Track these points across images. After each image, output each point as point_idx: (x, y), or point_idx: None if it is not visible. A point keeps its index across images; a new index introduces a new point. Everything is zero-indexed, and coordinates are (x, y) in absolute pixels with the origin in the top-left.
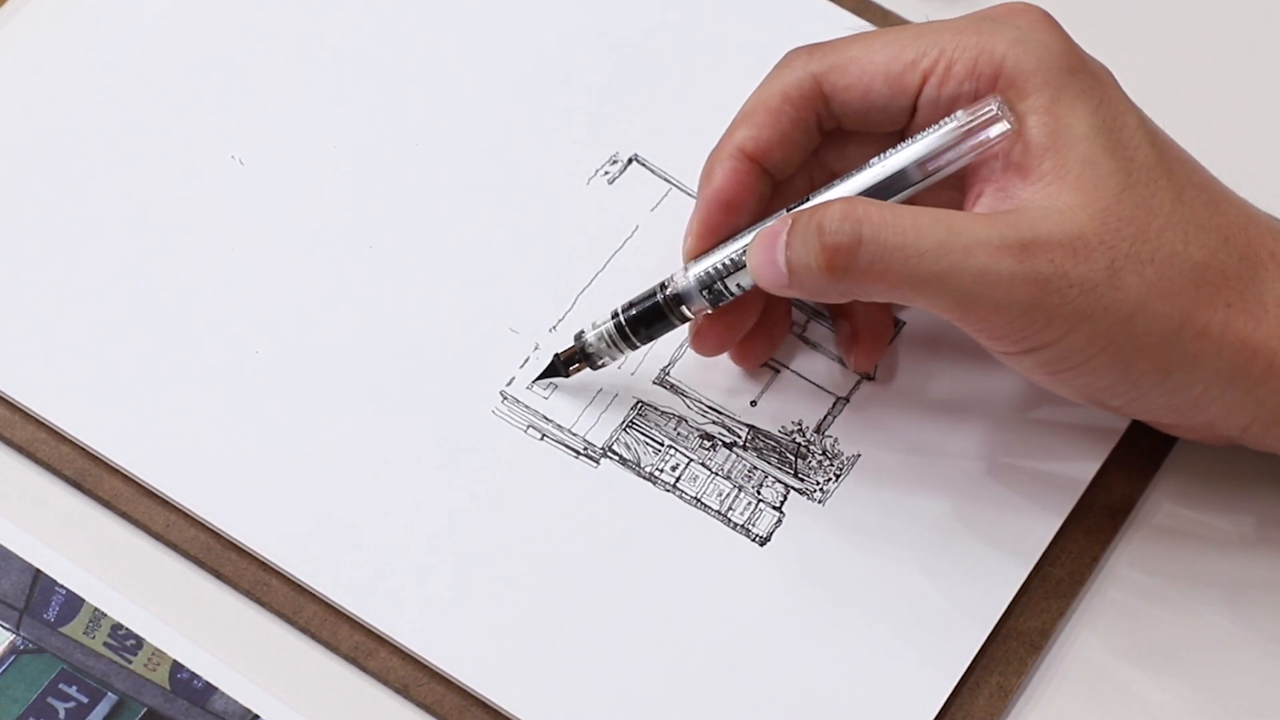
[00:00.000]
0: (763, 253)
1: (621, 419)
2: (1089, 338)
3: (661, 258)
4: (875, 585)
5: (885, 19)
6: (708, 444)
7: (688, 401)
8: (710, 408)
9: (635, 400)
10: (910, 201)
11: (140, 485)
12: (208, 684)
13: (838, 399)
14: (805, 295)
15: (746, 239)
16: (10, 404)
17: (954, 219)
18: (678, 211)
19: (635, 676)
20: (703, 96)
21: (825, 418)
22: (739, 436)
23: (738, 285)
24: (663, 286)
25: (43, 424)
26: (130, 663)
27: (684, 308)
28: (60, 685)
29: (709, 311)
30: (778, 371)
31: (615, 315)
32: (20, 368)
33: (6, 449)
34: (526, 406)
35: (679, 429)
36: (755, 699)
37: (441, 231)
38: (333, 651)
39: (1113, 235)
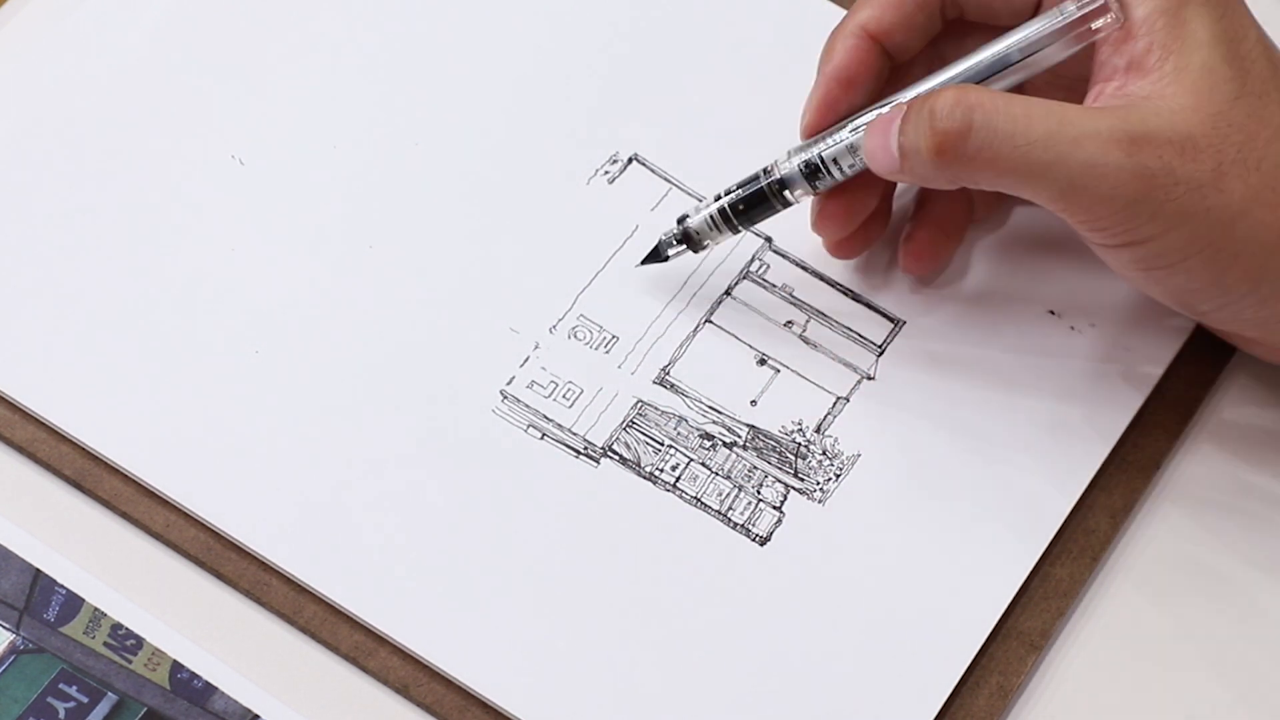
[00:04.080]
0: (877, 137)
1: (621, 419)
2: (1189, 237)
3: None
4: (875, 585)
5: None
6: (708, 444)
7: (688, 401)
8: (710, 407)
9: (635, 400)
10: (1026, 94)
11: (140, 485)
12: (208, 684)
13: (838, 399)
14: (915, 180)
15: (848, 128)
16: (10, 404)
17: (1066, 110)
18: (678, 211)
19: (635, 676)
20: (703, 96)
21: (825, 418)
22: (739, 436)
23: (839, 170)
24: (766, 172)
25: (43, 424)
26: (130, 663)
27: (786, 193)
28: (60, 685)
29: (810, 196)
30: (778, 371)
31: (719, 198)
32: (20, 368)
33: (6, 449)
34: (526, 406)
35: (679, 429)
36: (755, 699)
37: (441, 231)
38: (333, 651)
39: (1221, 139)
